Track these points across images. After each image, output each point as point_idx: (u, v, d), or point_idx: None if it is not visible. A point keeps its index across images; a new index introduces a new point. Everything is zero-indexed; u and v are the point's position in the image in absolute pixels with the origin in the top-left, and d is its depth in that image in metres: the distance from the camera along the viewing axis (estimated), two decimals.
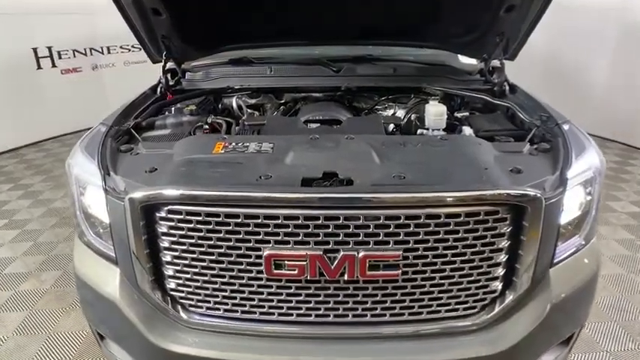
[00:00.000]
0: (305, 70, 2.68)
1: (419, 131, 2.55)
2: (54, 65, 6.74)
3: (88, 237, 1.77)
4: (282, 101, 2.80)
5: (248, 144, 1.76)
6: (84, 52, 7.07)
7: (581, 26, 5.72)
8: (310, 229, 1.42)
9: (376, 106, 2.80)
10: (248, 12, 2.48)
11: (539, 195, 1.45)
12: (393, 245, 1.43)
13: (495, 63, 2.68)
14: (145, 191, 1.48)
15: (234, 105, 2.67)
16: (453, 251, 1.47)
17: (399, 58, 2.77)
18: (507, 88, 2.57)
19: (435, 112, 2.38)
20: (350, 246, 1.43)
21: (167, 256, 1.55)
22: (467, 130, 2.20)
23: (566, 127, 1.92)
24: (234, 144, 1.76)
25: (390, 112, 2.81)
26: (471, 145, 1.76)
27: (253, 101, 2.78)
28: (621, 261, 3.42)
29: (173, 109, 2.37)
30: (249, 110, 2.77)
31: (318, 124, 2.32)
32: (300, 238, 1.43)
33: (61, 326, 2.75)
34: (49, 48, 6.63)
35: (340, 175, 1.52)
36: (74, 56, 6.96)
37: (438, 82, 2.59)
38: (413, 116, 2.57)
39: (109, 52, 7.37)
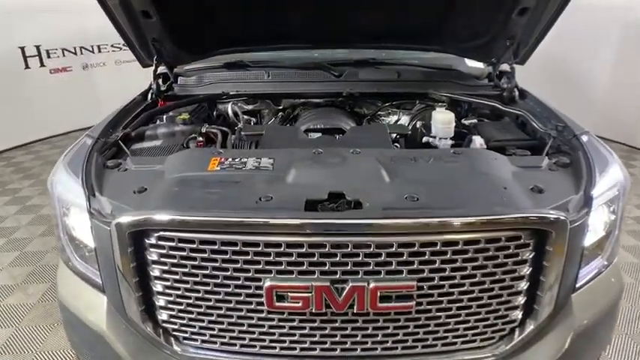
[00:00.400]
0: (304, 75, 2.55)
1: (424, 139, 2.43)
2: (42, 65, 6.53)
3: (73, 261, 1.64)
4: (281, 107, 2.66)
5: (245, 159, 1.62)
6: (74, 50, 6.86)
7: (585, 25, 5.61)
8: (316, 258, 1.29)
9: (379, 112, 2.67)
10: (244, 13, 2.33)
11: (564, 218, 1.33)
12: (407, 275, 1.31)
13: (504, 67, 2.56)
14: (133, 216, 1.34)
15: (230, 111, 2.54)
16: (471, 280, 1.35)
17: (403, 61, 2.64)
18: (517, 93, 2.45)
19: (443, 120, 2.26)
20: (359, 276, 1.31)
21: (158, 286, 1.41)
22: (477, 141, 2.07)
23: (584, 138, 1.80)
24: (230, 160, 1.63)
25: (393, 119, 2.69)
26: (487, 161, 1.64)
27: (250, 107, 2.64)
28: (629, 269, 3.32)
29: (165, 117, 2.23)
30: (245, 117, 2.63)
31: (320, 134, 2.19)
32: (305, 267, 1.30)
33: (48, 344, 2.61)
34: (37, 47, 6.43)
35: (348, 196, 1.39)
36: (63, 55, 6.76)
37: (445, 88, 2.47)
38: (418, 123, 2.45)
39: (99, 51, 7.17)
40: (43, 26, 6.35)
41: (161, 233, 1.33)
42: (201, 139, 1.89)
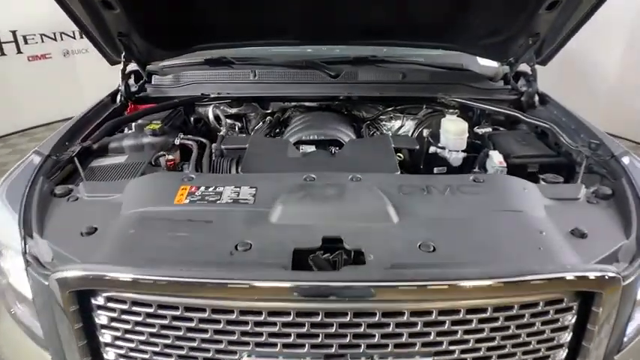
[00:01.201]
0: (295, 75, 2.23)
1: (432, 149, 2.14)
2: (19, 51, 6.11)
3: (14, 308, 1.35)
4: (269, 111, 2.35)
5: (222, 188, 1.33)
6: (53, 36, 6.43)
7: (593, 20, 5.29)
8: (306, 329, 1.01)
9: (380, 116, 2.37)
10: (226, 3, 2.00)
11: (618, 276, 1.06)
12: (421, 348, 1.04)
13: (522, 67, 2.26)
14: (75, 271, 1.05)
15: (211, 115, 2.23)
16: (500, 352, 1.08)
17: (409, 60, 2.33)
18: (537, 98, 2.16)
19: (456, 130, 1.97)
20: (361, 350, 1.03)
21: (110, 354, 1.13)
22: (495, 157, 1.79)
23: (626, 160, 1.52)
24: (203, 189, 1.33)
25: (396, 124, 2.39)
26: (516, 193, 1.36)
27: (234, 110, 2.33)
28: None
29: (133, 125, 1.92)
30: (229, 121, 2.33)
31: (313, 146, 1.89)
32: (292, 340, 1.02)
33: None
34: (14, 32, 6.00)
35: (346, 243, 1.11)
36: (42, 41, 6.33)
37: (456, 91, 2.17)
38: (425, 132, 2.15)
39: (81, 37, 6.70)
40: (20, 10, 5.92)
41: (111, 294, 1.05)
42: (171, 157, 1.59)
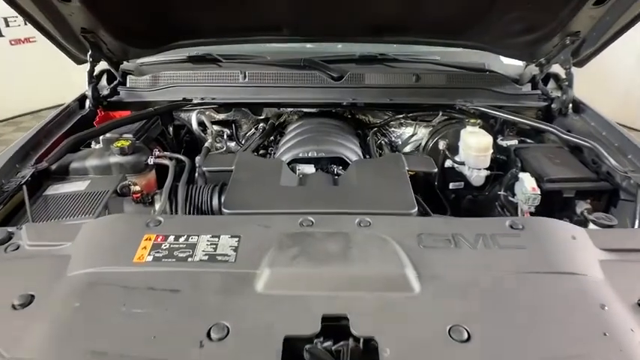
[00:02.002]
0: (292, 77, 1.93)
1: (448, 163, 1.87)
2: (1, 35, 5.78)
3: None
4: (262, 117, 2.06)
5: (196, 238, 1.06)
6: None
7: None
8: None
9: (389, 122, 2.08)
10: None
11: None
12: None
13: (551, 69, 1.97)
14: None
15: (194, 122, 1.93)
16: None
17: (423, 58, 2.02)
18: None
19: (478, 146, 1.69)
20: None
21: None
22: (527, 182, 1.52)
23: None
24: (171, 239, 1.06)
25: (406, 131, 2.10)
26: (563, 244, 1.08)
27: (222, 116, 2.04)
28: None
29: (101, 140, 1.64)
30: (215, 128, 2.04)
31: (312, 165, 1.61)
32: None
33: None
34: None
35: (354, 327, 0.84)
36: (25, 24, 5.95)
37: (478, 97, 1.87)
38: (441, 143, 1.87)
39: None
40: None
41: None
42: (138, 188, 1.31)
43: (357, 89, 1.89)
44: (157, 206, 1.33)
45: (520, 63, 2.11)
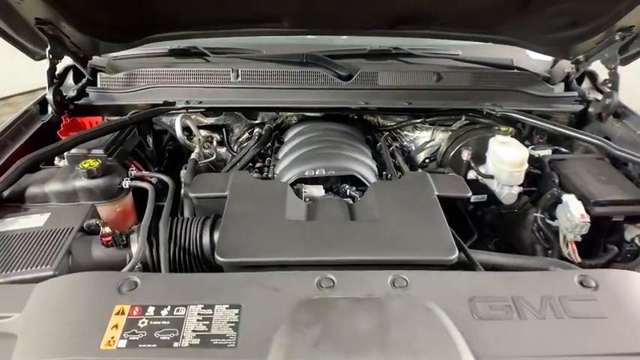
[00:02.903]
0: (292, 76, 1.65)
1: (471, 174, 1.64)
2: None
3: None
4: (257, 121, 1.79)
5: (183, 311, 0.81)
6: None
7: None
8: None
9: (402, 125, 1.83)
10: None
11: None
12: None
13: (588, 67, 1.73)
14: None
15: (178, 128, 1.64)
16: None
17: (442, 53, 1.75)
18: None
19: (513, 161, 1.46)
20: None
21: None
22: (574, 208, 1.29)
23: None
24: (151, 312, 0.80)
25: (422, 136, 1.86)
26: None
27: (210, 120, 1.76)
28: None
29: (66, 157, 1.36)
30: (203, 133, 1.76)
31: (321, 187, 1.36)
32: None
33: None
34: None
35: None
36: None
37: (508, 99, 1.63)
38: (465, 153, 1.62)
39: None
40: None
41: None
42: (108, 230, 1.04)
43: (369, 91, 1.62)
44: (134, 249, 1.07)
45: (549, 58, 1.86)
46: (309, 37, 1.89)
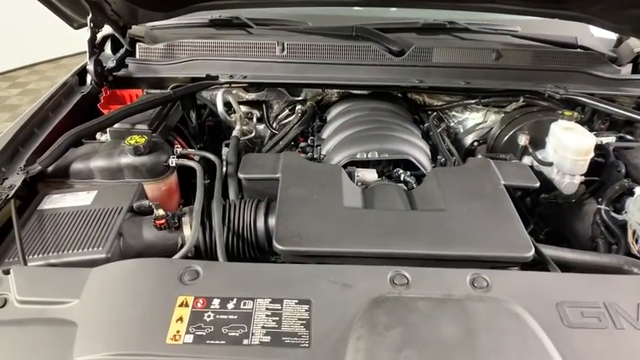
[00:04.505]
0: (341, 50, 1.55)
1: (527, 160, 1.54)
2: None
3: None
4: (301, 98, 1.70)
5: (249, 303, 0.76)
6: None
7: None
8: None
9: (453, 106, 1.73)
10: None
11: None
12: None
13: None
14: None
15: (220, 104, 1.57)
16: None
17: (501, 29, 1.63)
18: None
19: (579, 149, 1.36)
20: None
21: None
22: None
23: None
24: (216, 304, 0.76)
25: (471, 117, 1.76)
26: None
27: (253, 96, 1.69)
28: None
29: (109, 132, 1.30)
30: (243, 109, 1.69)
31: (374, 171, 1.28)
32: None
33: None
34: None
35: None
36: None
37: (572, 81, 1.51)
38: (523, 138, 1.52)
39: None
40: None
41: None
42: (161, 212, 0.99)
43: (423, 68, 1.52)
44: (186, 232, 1.02)
45: (613, 36, 1.72)
46: (357, 7, 1.77)
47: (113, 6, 1.40)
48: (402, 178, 1.29)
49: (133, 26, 1.59)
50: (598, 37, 1.75)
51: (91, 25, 1.38)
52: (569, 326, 0.74)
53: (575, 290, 0.81)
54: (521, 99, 1.60)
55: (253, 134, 1.69)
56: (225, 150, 1.49)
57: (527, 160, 1.56)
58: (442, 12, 1.65)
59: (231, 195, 1.25)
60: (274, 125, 1.78)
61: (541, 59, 1.56)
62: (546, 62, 1.56)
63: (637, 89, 1.56)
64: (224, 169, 1.36)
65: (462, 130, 1.79)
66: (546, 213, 1.65)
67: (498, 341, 0.70)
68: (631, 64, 1.62)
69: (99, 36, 1.53)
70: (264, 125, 1.78)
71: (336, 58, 1.54)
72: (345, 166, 1.31)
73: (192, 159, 1.30)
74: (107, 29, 1.56)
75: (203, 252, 1.03)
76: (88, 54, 1.43)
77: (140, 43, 1.61)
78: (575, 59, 1.58)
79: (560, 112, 1.46)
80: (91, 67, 1.43)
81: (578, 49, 1.62)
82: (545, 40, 1.60)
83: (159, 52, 1.60)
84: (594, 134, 1.54)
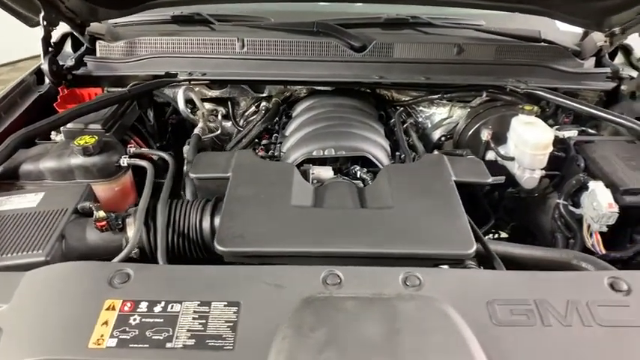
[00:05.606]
0: (302, 46, 1.54)
1: (490, 155, 1.55)
2: None
3: None
4: (264, 94, 1.69)
5: (177, 307, 0.75)
6: None
7: None
8: None
9: (418, 101, 1.72)
10: None
11: None
12: None
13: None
14: None
15: (181, 101, 1.56)
16: None
17: (464, 24, 1.62)
18: None
19: (537, 144, 1.36)
20: None
21: None
22: (602, 197, 1.20)
23: None
24: (144, 308, 0.75)
25: (437, 112, 1.75)
26: None
27: (215, 93, 1.67)
28: None
29: (62, 132, 1.29)
30: (208, 106, 1.68)
31: (330, 169, 1.27)
32: None
33: None
34: None
35: None
36: None
37: (534, 75, 1.51)
38: (485, 133, 1.52)
39: None
40: None
41: None
42: (102, 214, 0.98)
43: (383, 64, 1.51)
44: (130, 233, 1.01)
45: (579, 30, 1.72)
46: (321, 3, 1.76)
47: (67, 3, 1.38)
48: (358, 175, 1.29)
49: (92, 24, 1.57)
50: (564, 30, 1.74)
51: (44, 23, 1.36)
52: (497, 324, 0.74)
53: (507, 288, 0.81)
54: (485, 94, 1.59)
55: (220, 131, 1.68)
56: (186, 148, 1.48)
57: (491, 155, 1.56)
58: (406, 6, 1.64)
59: (188, 194, 1.24)
60: (241, 122, 1.76)
61: (504, 53, 1.56)
62: (509, 56, 1.56)
63: (600, 83, 1.56)
64: (184, 168, 1.35)
65: (429, 125, 1.78)
66: (512, 207, 1.65)
67: (421, 341, 0.70)
68: (594, 58, 1.62)
69: (57, 34, 1.51)
70: (231, 123, 1.77)
71: (297, 55, 1.53)
72: (302, 164, 1.30)
73: (151, 158, 1.29)
74: (67, 27, 1.55)
75: (148, 253, 1.03)
76: (42, 52, 1.41)
77: (100, 41, 1.59)
78: (538, 53, 1.57)
79: (520, 106, 1.45)
80: (45, 66, 1.41)
81: (542, 43, 1.61)
82: (509, 34, 1.59)
83: (119, 50, 1.58)
84: (557, 128, 1.55)
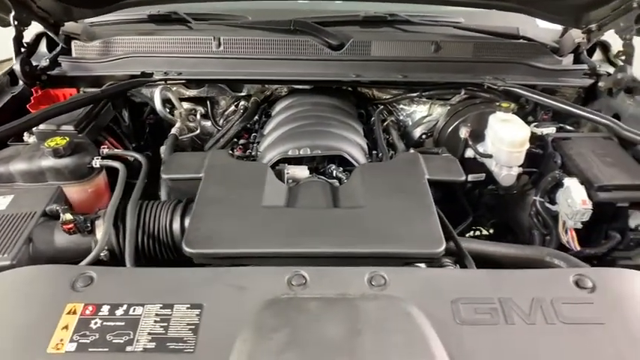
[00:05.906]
0: (279, 44, 1.53)
1: (469, 153, 1.55)
2: None
3: None
4: (244, 93, 1.68)
5: (139, 310, 0.75)
6: None
7: None
8: None
9: (398, 99, 1.72)
10: None
11: None
12: None
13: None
14: None
15: (158, 101, 1.54)
16: None
17: (443, 21, 1.62)
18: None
19: (513, 141, 1.36)
20: None
21: None
22: (576, 193, 1.20)
23: None
24: (105, 311, 0.74)
25: (419, 110, 1.75)
26: None
27: (193, 93, 1.66)
28: None
29: (35, 133, 1.28)
30: (186, 106, 1.66)
31: (305, 168, 1.27)
32: None
33: None
34: None
35: None
36: None
37: (512, 72, 1.51)
38: (463, 130, 1.52)
39: None
40: None
41: None
42: (69, 217, 0.96)
43: (361, 62, 1.51)
44: (99, 236, 1.00)
45: (558, 27, 1.72)
46: (299, 1, 1.75)
47: (39, 3, 1.36)
48: (334, 174, 1.28)
49: (67, 23, 1.55)
50: (543, 27, 1.74)
51: (15, 23, 1.34)
52: (461, 323, 0.74)
53: (472, 286, 0.81)
54: (463, 91, 1.59)
55: (199, 131, 1.67)
56: (163, 148, 1.47)
57: (470, 152, 1.56)
58: (384, 4, 1.63)
59: (163, 195, 1.23)
60: (221, 122, 1.75)
61: (482, 51, 1.56)
62: (487, 54, 1.56)
63: (577, 79, 1.57)
64: (161, 168, 1.34)
65: (410, 123, 1.78)
66: (492, 204, 1.65)
67: (382, 341, 0.70)
68: (572, 55, 1.62)
69: (31, 34, 1.49)
70: (210, 122, 1.76)
71: (274, 53, 1.52)
72: (277, 164, 1.30)
73: (121, 159, 1.28)
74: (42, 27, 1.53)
75: (118, 255, 1.02)
76: (14, 53, 1.39)
77: (76, 41, 1.57)
78: (516, 50, 1.57)
79: (497, 103, 1.45)
80: (17, 67, 1.39)
81: (521, 40, 1.61)
82: (487, 31, 1.59)
83: (95, 50, 1.56)
84: (535, 125, 1.55)
